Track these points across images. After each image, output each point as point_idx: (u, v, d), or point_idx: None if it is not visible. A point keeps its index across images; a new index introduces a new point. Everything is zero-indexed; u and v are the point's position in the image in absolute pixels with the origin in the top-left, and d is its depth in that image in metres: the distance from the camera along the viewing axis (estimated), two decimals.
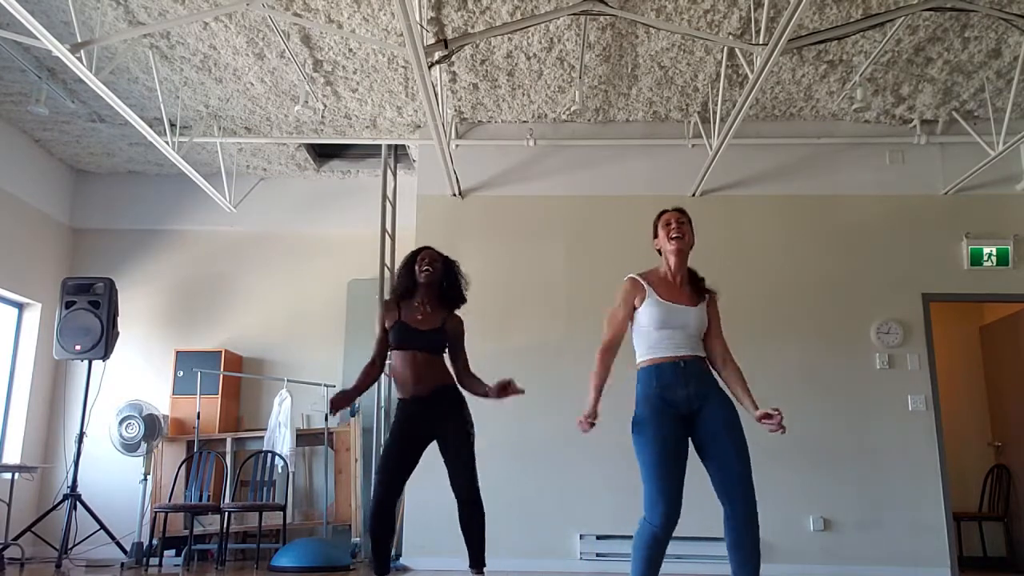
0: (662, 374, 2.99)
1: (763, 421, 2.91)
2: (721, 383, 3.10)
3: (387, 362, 3.83)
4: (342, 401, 3.57)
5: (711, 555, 5.42)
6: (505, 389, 3.60)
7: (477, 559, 3.68)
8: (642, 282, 3.13)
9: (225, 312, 7.21)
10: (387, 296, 3.88)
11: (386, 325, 3.74)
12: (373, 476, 6.14)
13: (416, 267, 3.77)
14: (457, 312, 3.86)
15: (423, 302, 3.76)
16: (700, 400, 2.97)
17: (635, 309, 3.12)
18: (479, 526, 3.68)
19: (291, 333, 7.11)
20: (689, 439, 3.00)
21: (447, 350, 3.80)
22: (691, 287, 3.15)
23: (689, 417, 2.98)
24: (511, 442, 5.87)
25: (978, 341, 7.10)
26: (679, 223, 3.14)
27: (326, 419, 6.55)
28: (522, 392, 3.62)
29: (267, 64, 5.50)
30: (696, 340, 3.06)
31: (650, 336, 3.06)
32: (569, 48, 5.30)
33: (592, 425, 2.97)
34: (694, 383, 2.97)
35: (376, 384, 6.29)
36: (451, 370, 3.78)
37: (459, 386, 3.78)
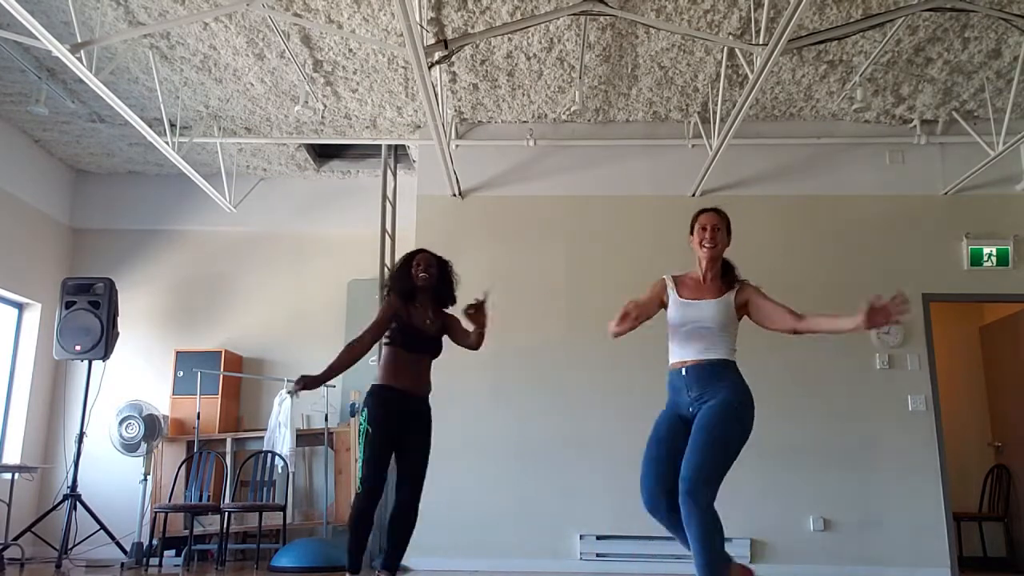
0: (672, 380, 3.14)
1: (879, 319, 2.84)
2: (729, 383, 3.05)
3: (373, 357, 3.85)
4: (311, 383, 3.53)
5: None
6: (474, 317, 3.65)
7: (393, 562, 3.70)
8: (669, 282, 3.23)
9: (225, 312, 7.21)
10: (387, 293, 3.94)
11: (391, 322, 3.76)
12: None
13: (413, 271, 3.81)
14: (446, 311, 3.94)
15: (424, 306, 3.82)
16: (698, 404, 3.04)
17: (664, 306, 3.21)
18: (408, 531, 3.71)
19: (291, 333, 7.10)
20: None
21: (454, 339, 3.88)
22: (720, 281, 3.20)
23: (690, 419, 3.06)
24: (511, 442, 5.87)
25: (978, 341, 7.10)
26: (714, 230, 3.19)
27: (326, 419, 6.56)
28: (484, 297, 3.68)
29: (267, 64, 5.50)
30: (713, 336, 3.06)
31: (672, 337, 3.15)
32: (569, 48, 5.30)
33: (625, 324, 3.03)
34: (695, 388, 3.05)
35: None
36: (430, 379, 3.84)
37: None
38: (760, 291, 3.18)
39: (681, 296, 3.16)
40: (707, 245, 3.17)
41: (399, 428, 3.69)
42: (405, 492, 3.68)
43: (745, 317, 3.23)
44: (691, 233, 3.27)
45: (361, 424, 3.68)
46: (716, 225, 3.20)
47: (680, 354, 3.10)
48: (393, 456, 3.72)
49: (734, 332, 3.14)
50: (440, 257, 3.93)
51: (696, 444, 2.92)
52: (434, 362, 3.86)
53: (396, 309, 3.76)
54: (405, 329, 3.74)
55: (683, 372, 3.07)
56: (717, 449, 2.92)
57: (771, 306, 3.13)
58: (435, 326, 3.81)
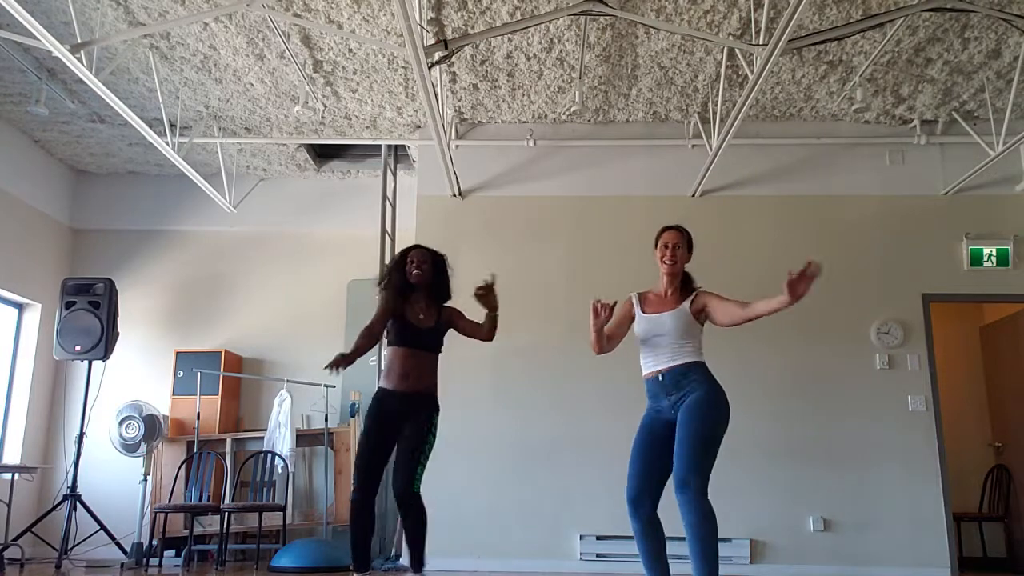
0: (650, 387, 3.35)
1: (798, 282, 3.08)
2: (703, 380, 3.24)
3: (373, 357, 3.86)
4: (342, 361, 3.54)
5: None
6: (484, 299, 3.64)
7: (414, 560, 3.71)
8: (635, 300, 3.47)
9: (225, 313, 7.21)
10: (381, 289, 3.95)
11: (390, 314, 3.80)
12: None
13: (407, 268, 3.83)
14: (447, 304, 3.93)
15: (418, 302, 3.83)
16: (679, 403, 3.24)
17: (632, 321, 3.45)
18: (415, 527, 3.68)
19: (291, 334, 7.09)
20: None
21: (464, 333, 3.87)
22: (679, 293, 3.42)
23: (673, 420, 3.25)
24: (511, 442, 5.87)
25: (978, 341, 7.10)
26: (674, 248, 3.40)
27: (326, 419, 6.55)
28: (492, 279, 3.68)
29: (267, 65, 5.50)
30: (680, 345, 3.30)
31: (642, 348, 3.39)
32: (569, 48, 5.30)
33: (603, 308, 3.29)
34: (674, 391, 3.25)
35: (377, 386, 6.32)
36: (434, 376, 3.83)
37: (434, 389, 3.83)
38: (715, 294, 3.38)
39: (644, 311, 3.40)
40: (667, 262, 3.39)
41: (391, 428, 3.71)
42: (395, 486, 3.65)
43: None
44: (655, 246, 3.47)
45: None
46: (676, 243, 3.41)
47: (653, 364, 3.32)
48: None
49: (698, 338, 3.36)
50: (435, 252, 3.94)
51: (681, 440, 3.13)
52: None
53: (391, 304, 3.80)
54: (397, 323, 3.78)
55: (660, 379, 3.28)
56: (700, 441, 3.12)
57: (723, 304, 3.32)
58: (430, 321, 3.80)
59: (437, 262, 3.91)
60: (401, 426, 3.71)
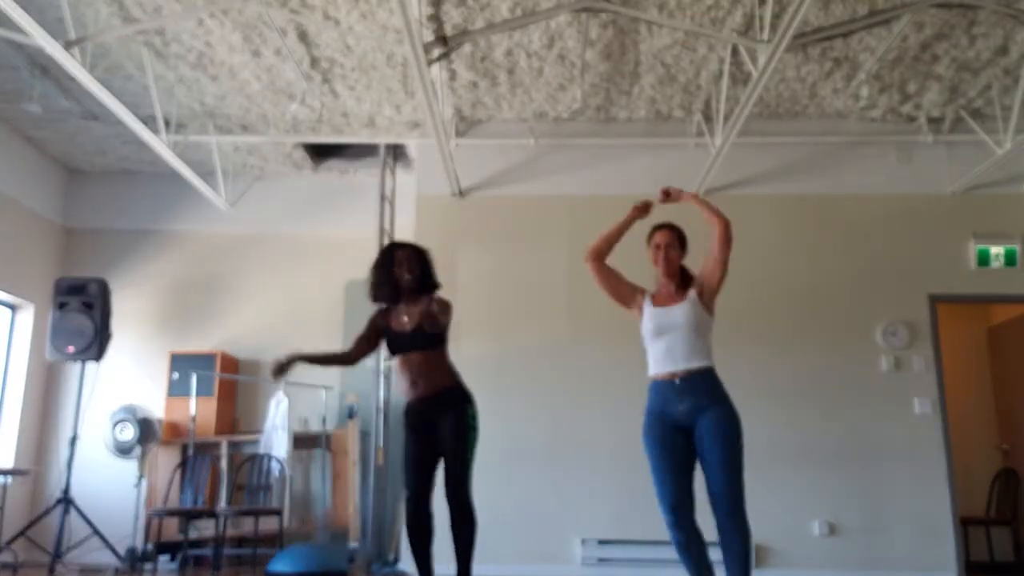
0: (661, 391, 3.24)
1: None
2: (718, 393, 3.22)
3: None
4: (285, 365, 3.54)
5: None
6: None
7: (463, 570, 3.65)
8: (645, 293, 3.42)
9: (221, 314, 7.12)
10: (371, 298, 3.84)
11: (377, 335, 3.75)
12: (373, 481, 6.07)
13: (395, 271, 3.69)
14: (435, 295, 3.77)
15: (406, 303, 3.71)
16: (696, 414, 3.16)
17: (639, 313, 3.40)
18: (465, 538, 3.64)
19: (288, 335, 6.97)
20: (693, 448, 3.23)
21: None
22: (681, 285, 3.37)
23: (687, 429, 3.18)
24: (512, 444, 5.78)
25: (986, 342, 7.02)
26: (667, 249, 3.36)
27: (324, 422, 6.47)
28: None
29: (263, 61, 5.42)
30: (694, 343, 3.21)
31: (652, 348, 3.30)
32: (570, 45, 5.22)
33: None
34: (690, 398, 3.17)
35: (376, 387, 6.25)
36: (444, 371, 3.72)
37: (461, 386, 3.75)
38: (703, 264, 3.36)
39: (655, 305, 3.34)
40: (660, 265, 3.36)
41: (428, 435, 3.62)
42: (449, 494, 3.60)
43: (717, 308, 3.38)
44: (648, 244, 3.43)
45: None
46: (669, 243, 3.37)
47: (666, 364, 3.22)
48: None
49: (709, 336, 3.28)
50: (418, 248, 3.82)
51: (720, 473, 3.10)
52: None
53: (377, 324, 3.74)
54: (387, 335, 3.71)
55: (676, 383, 3.18)
56: (737, 470, 3.13)
57: (707, 259, 3.31)
58: (412, 322, 3.65)
59: (422, 259, 3.78)
60: (437, 432, 3.61)
